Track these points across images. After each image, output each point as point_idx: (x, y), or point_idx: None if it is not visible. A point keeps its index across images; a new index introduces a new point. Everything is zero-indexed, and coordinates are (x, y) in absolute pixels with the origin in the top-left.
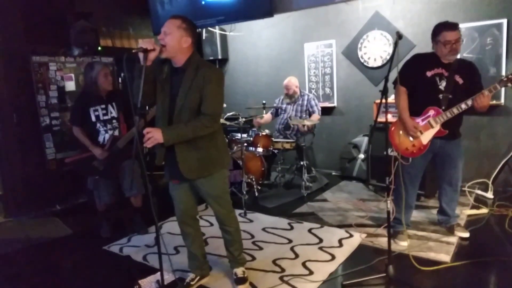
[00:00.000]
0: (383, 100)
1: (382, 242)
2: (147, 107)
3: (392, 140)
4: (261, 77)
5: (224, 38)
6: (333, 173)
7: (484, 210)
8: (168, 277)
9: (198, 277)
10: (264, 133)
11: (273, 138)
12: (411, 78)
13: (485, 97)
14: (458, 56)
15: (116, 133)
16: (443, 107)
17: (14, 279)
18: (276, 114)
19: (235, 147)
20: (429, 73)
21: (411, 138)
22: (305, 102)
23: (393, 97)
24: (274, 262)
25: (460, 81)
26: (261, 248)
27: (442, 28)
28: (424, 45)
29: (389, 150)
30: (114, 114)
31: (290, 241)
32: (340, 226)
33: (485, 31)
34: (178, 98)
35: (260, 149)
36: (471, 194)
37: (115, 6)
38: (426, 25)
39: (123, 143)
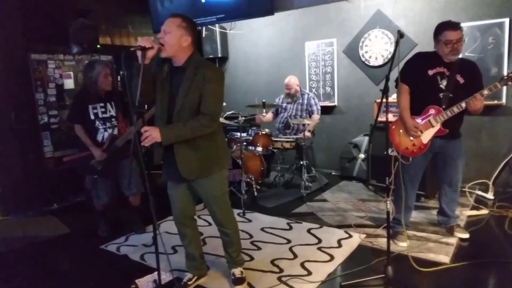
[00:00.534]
0: (384, 99)
1: (381, 242)
2: (145, 106)
3: (392, 139)
4: (261, 75)
5: (224, 36)
6: (333, 173)
7: (484, 211)
8: (166, 277)
9: (195, 277)
10: (263, 132)
11: (272, 137)
12: (412, 76)
13: (477, 100)
14: (460, 56)
15: (115, 131)
16: (444, 106)
17: (11, 278)
18: (276, 113)
19: (235, 146)
20: (430, 72)
21: (411, 138)
22: (306, 101)
23: (394, 96)
24: (272, 262)
25: (461, 80)
26: (259, 248)
27: (444, 28)
28: (425, 44)
29: (390, 150)
30: (113, 112)
31: (289, 241)
32: (339, 226)
33: (487, 30)
34: (177, 97)
35: (259, 148)
36: (471, 194)
37: (114, 4)
38: (428, 24)
39: (122, 142)
